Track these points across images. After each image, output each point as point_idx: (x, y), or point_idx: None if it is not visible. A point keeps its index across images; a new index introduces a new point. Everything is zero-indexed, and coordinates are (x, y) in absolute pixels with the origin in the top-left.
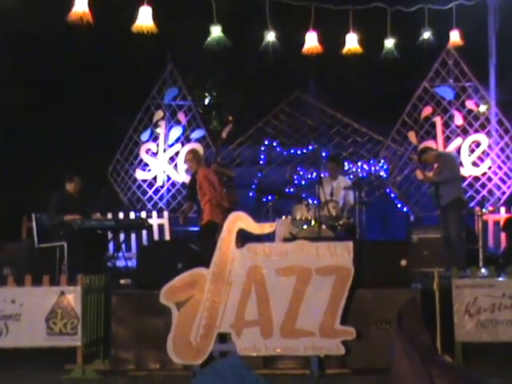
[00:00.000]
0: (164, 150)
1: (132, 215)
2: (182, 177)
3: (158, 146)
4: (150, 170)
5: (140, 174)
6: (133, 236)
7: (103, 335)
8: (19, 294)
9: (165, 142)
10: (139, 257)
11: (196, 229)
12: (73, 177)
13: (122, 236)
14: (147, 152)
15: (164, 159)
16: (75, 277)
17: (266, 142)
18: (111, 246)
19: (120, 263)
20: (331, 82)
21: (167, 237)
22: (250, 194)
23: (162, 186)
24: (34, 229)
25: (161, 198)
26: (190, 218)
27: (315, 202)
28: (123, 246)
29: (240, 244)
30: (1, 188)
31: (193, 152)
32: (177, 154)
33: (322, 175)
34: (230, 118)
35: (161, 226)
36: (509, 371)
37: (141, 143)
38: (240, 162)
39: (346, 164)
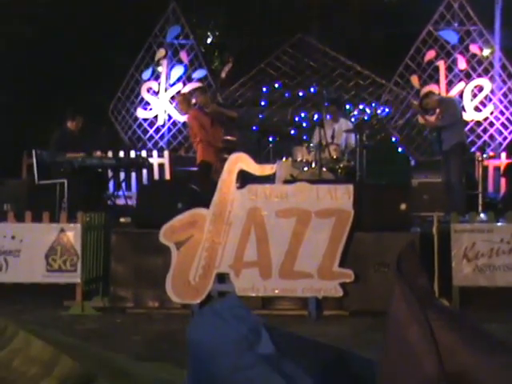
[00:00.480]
0: (165, 89)
1: (132, 154)
2: (183, 116)
3: (159, 84)
4: (151, 109)
5: (141, 113)
6: (133, 175)
7: (102, 273)
8: (19, 230)
9: (166, 80)
10: (139, 196)
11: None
12: (75, 115)
13: (122, 175)
14: (148, 91)
15: (165, 98)
16: (75, 214)
17: (268, 84)
18: (111, 184)
19: (120, 202)
20: (334, 24)
21: (167, 176)
22: (251, 136)
23: (162, 125)
24: (35, 165)
25: (161, 138)
26: (191, 158)
27: (315, 143)
28: (123, 184)
29: (240, 185)
30: (1, 124)
31: (182, 94)
32: (178, 93)
33: (324, 117)
34: (230, 58)
35: (161, 166)
36: (505, 316)
37: (142, 82)
38: (241, 102)
39: (348, 107)
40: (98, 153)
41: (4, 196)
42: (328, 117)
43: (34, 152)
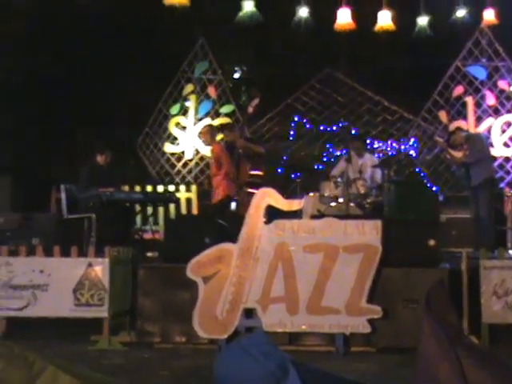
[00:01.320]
0: (194, 124)
1: (160, 188)
2: (206, 148)
3: (187, 119)
4: (178, 144)
5: (169, 148)
6: (160, 209)
7: (129, 307)
8: (48, 265)
9: (195, 115)
10: (166, 230)
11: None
12: (104, 149)
13: (149, 209)
14: (176, 126)
15: (193, 133)
16: (103, 249)
17: (296, 118)
18: (139, 218)
19: (147, 236)
20: (362, 59)
21: (195, 211)
22: (279, 170)
23: (190, 160)
24: (63, 200)
25: (189, 172)
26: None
27: (343, 179)
28: (151, 219)
29: (267, 220)
30: (30, 160)
31: (206, 126)
32: (205, 127)
33: (351, 152)
34: (257, 93)
35: (189, 200)
36: None
37: (170, 117)
38: (269, 137)
39: (375, 142)
40: (126, 187)
41: (32, 230)
42: (354, 152)
43: (62, 187)
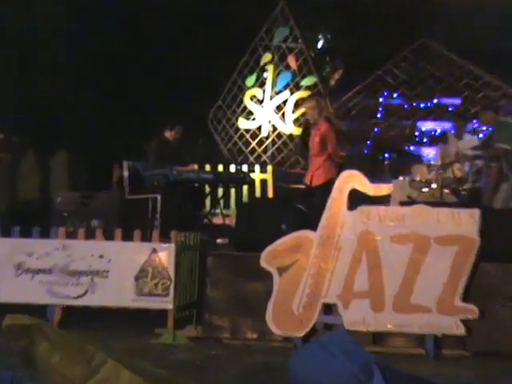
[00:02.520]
0: (271, 98)
1: (232, 168)
2: (289, 128)
3: (264, 92)
4: (254, 119)
5: (243, 123)
6: (232, 192)
7: (197, 299)
8: (108, 249)
9: (272, 88)
10: (239, 215)
11: (303, 186)
12: (174, 124)
13: (220, 191)
14: (252, 99)
15: (270, 107)
16: (168, 233)
17: (385, 93)
18: (208, 201)
19: (217, 221)
20: (463, 28)
21: (270, 194)
22: (365, 151)
23: (266, 138)
24: (126, 178)
25: (265, 151)
26: (296, 175)
27: (437, 162)
28: (221, 201)
29: (352, 206)
30: (94, 136)
31: (315, 100)
32: (285, 102)
33: (448, 133)
34: (342, 65)
35: (264, 182)
36: None
37: (245, 89)
38: (355, 114)
39: (475, 122)
40: (195, 166)
41: (92, 211)
42: (452, 132)
43: (125, 163)
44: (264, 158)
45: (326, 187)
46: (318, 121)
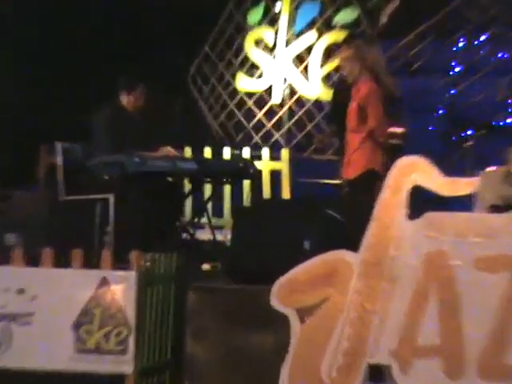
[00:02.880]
0: (287, 43)
1: (227, 153)
2: (316, 89)
3: (276, 34)
4: (260, 77)
5: (244, 83)
6: (226, 190)
7: (171, 357)
8: (32, 280)
9: (289, 27)
10: (236, 226)
11: (335, 182)
12: (134, 84)
13: (207, 188)
14: (257, 45)
15: (286, 58)
16: (126, 255)
17: (463, 38)
18: (189, 204)
19: (203, 235)
20: None
21: (286, 193)
22: (432, 127)
23: (280, 105)
24: (61, 169)
25: (277, 127)
26: (325, 164)
27: None
28: (209, 205)
29: (412, 212)
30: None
31: (355, 46)
32: (309, 49)
33: None
34: None
35: (275, 174)
36: None
37: (247, 29)
38: (418, 68)
39: None
40: (169, 149)
41: (7, 221)
42: None
43: (58, 146)
44: (276, 136)
45: (365, 182)
46: (358, 78)
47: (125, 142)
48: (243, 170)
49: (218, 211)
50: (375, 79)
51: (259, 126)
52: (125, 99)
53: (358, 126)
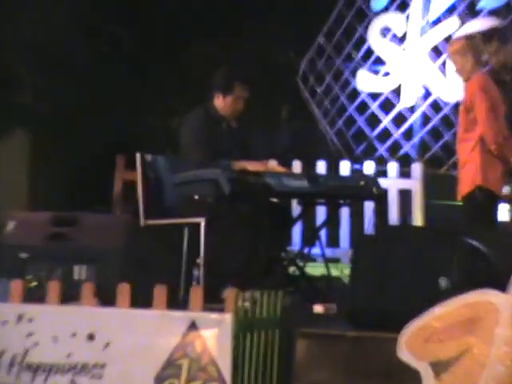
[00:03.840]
0: (420, 33)
1: (345, 167)
2: (456, 89)
3: (407, 21)
4: (387, 74)
5: (366, 81)
6: (344, 214)
7: None
8: (104, 323)
9: (424, 13)
10: (356, 258)
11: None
12: (231, 84)
13: (320, 213)
14: (383, 34)
15: (419, 51)
16: (220, 292)
17: None
18: (298, 231)
19: (315, 269)
20: None
21: (418, 218)
22: None
23: (412, 109)
24: (141, 187)
25: (408, 136)
26: None
27: None
28: (323, 232)
29: None
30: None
31: (467, 38)
32: (447, 39)
33: None
34: None
35: (405, 195)
36: None
37: (371, 15)
38: None
39: None
40: (273, 164)
41: (74, 250)
42: None
43: (139, 158)
44: (406, 148)
45: (473, 201)
46: (470, 75)
47: (219, 154)
48: (365, 190)
49: (334, 240)
50: (494, 78)
51: (385, 134)
52: (220, 102)
53: (465, 132)
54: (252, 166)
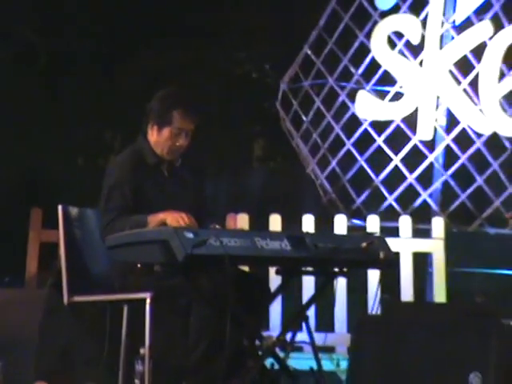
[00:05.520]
0: (442, 40)
1: (340, 223)
2: (490, 118)
3: (423, 26)
4: (398, 96)
5: (369, 105)
6: (340, 285)
7: None
8: None
9: (445, 14)
10: (357, 346)
11: None
12: (169, 110)
13: (308, 283)
14: (392, 42)
15: (440, 64)
16: None
17: None
18: (277, 310)
19: (300, 361)
20: None
21: (440, 291)
22: None
23: (431, 144)
24: (63, 251)
25: (427, 180)
26: None
27: None
28: (312, 312)
29: None
30: None
31: None
32: (478, 51)
33: None
34: None
35: (424, 259)
36: None
37: (374, 17)
38: None
39: None
40: (242, 221)
41: None
42: None
43: (59, 212)
44: (423, 196)
45: None
46: None
47: (154, 208)
48: (368, 254)
49: (327, 322)
50: None
51: (395, 178)
52: (155, 137)
53: None
54: (175, 218)
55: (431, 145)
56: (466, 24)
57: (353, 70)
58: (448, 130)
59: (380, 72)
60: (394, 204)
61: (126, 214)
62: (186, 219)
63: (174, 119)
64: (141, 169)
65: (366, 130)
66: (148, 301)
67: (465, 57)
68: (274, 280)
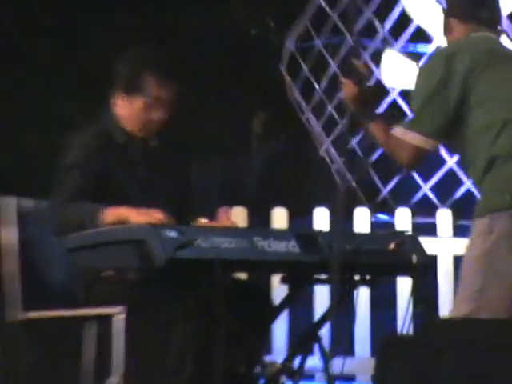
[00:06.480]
0: None
1: (362, 219)
2: None
3: None
4: None
5: (396, 70)
6: (362, 297)
7: None
8: None
9: None
10: (383, 374)
11: None
12: (149, 68)
13: (321, 295)
14: None
15: None
16: None
17: None
18: (282, 328)
19: None
20: None
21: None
22: None
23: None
24: (14, 253)
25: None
26: None
27: None
28: (326, 331)
29: None
30: None
31: None
32: None
33: None
34: None
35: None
36: None
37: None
38: None
39: None
40: (241, 211)
41: None
42: None
43: (12, 204)
44: (466, 186)
45: None
46: None
47: (122, 197)
48: (397, 257)
49: (345, 344)
50: None
51: (432, 162)
52: (123, 109)
53: None
54: (138, 215)
55: None
56: None
57: (378, 24)
58: None
59: (412, 28)
60: (430, 194)
61: (82, 199)
62: (160, 217)
63: (148, 86)
64: (107, 148)
65: (394, 100)
66: (119, 317)
67: None
68: (279, 291)
